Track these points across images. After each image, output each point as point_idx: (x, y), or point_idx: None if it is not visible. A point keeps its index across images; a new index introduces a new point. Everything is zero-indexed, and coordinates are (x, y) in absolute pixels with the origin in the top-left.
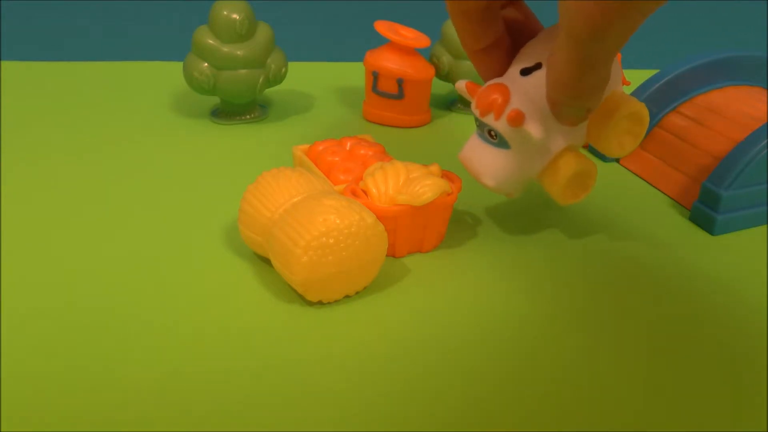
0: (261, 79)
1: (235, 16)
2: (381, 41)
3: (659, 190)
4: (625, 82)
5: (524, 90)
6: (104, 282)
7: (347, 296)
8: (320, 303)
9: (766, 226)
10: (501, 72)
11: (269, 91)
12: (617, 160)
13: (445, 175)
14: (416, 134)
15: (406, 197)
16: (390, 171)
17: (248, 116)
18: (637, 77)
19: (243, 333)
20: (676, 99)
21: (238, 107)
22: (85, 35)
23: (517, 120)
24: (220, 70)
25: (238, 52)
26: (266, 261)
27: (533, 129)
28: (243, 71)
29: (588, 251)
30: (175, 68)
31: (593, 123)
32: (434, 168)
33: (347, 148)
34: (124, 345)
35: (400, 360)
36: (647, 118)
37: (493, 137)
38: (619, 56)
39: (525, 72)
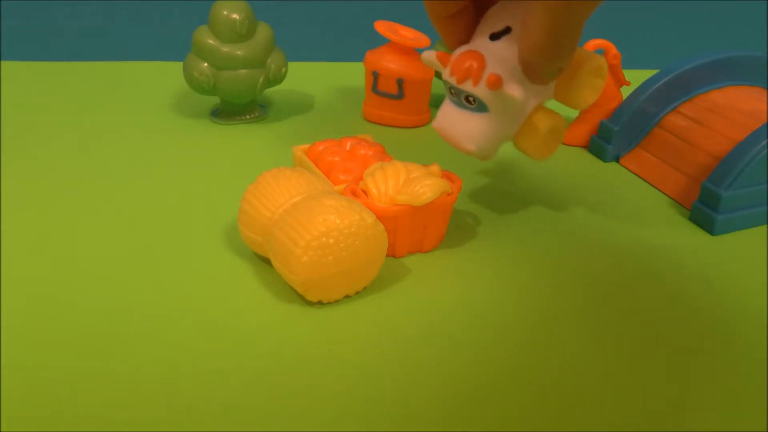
0: (261, 79)
1: (235, 16)
2: (381, 41)
3: (659, 190)
4: (625, 82)
5: (496, 54)
6: (104, 282)
7: (347, 296)
8: (320, 303)
9: (766, 226)
10: (467, 39)
11: (269, 91)
12: (617, 160)
13: (445, 175)
14: (416, 134)
15: (406, 197)
16: (390, 171)
17: (248, 116)
18: (637, 77)
19: (243, 333)
20: (676, 99)
21: (238, 107)
22: (85, 35)
23: (497, 83)
24: (220, 70)
25: (238, 52)
26: (266, 261)
27: (514, 90)
28: (243, 71)
29: (588, 251)
30: (175, 68)
31: (561, 80)
32: (434, 168)
33: (347, 148)
34: (123, 345)
35: (400, 360)
36: (606, 71)
37: (471, 103)
38: (618, 56)
39: (494, 37)
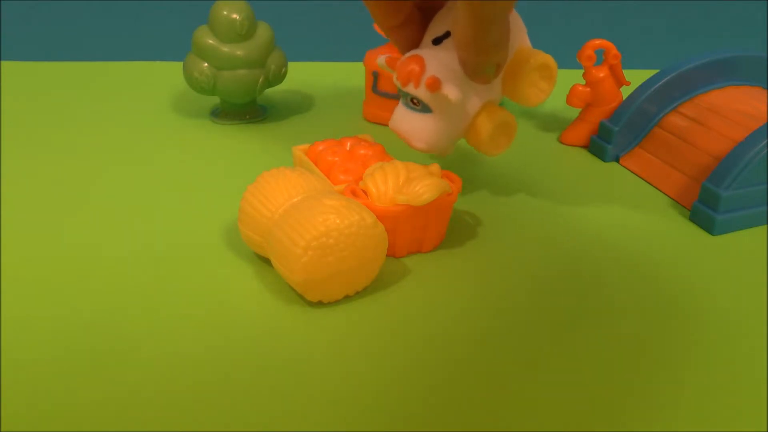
0: (261, 79)
1: (235, 16)
2: (381, 41)
3: (659, 190)
4: (625, 83)
5: (437, 57)
6: (104, 282)
7: (347, 296)
8: (320, 303)
9: (766, 226)
10: (416, 44)
11: (269, 91)
12: (617, 160)
13: (445, 175)
14: None
15: (406, 197)
16: (390, 171)
17: (248, 116)
18: (637, 77)
19: (243, 333)
20: (676, 99)
21: (238, 107)
22: (85, 35)
23: (435, 86)
24: (220, 70)
25: (238, 52)
26: (266, 261)
27: (450, 91)
28: (243, 71)
29: (588, 251)
30: (175, 68)
31: (507, 77)
32: (434, 168)
33: (347, 148)
34: (123, 344)
35: (400, 360)
36: (554, 73)
37: (416, 104)
38: (618, 56)
39: (436, 41)
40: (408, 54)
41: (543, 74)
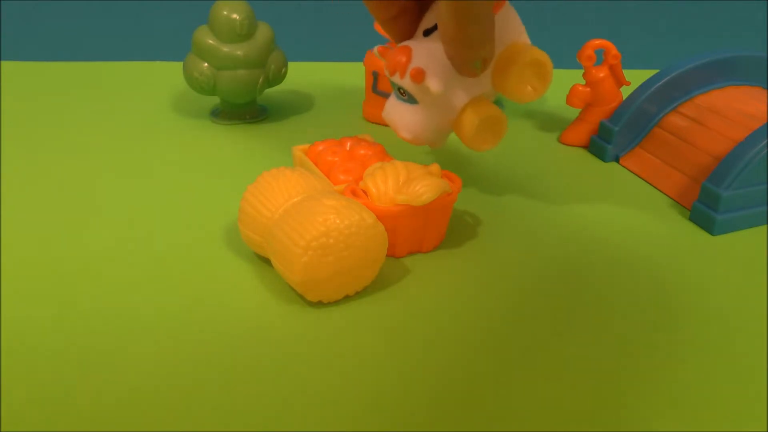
0: (261, 79)
1: (235, 16)
2: (381, 41)
3: (659, 190)
4: (625, 83)
5: (426, 49)
6: (104, 281)
7: (347, 296)
8: (320, 303)
9: (766, 226)
10: (410, 36)
11: (269, 91)
12: (617, 160)
13: (445, 175)
14: None
15: (406, 197)
16: (390, 171)
17: (248, 116)
18: (637, 77)
19: (243, 333)
20: (676, 99)
21: (238, 107)
22: (85, 35)
23: (418, 77)
24: (220, 70)
25: (238, 52)
26: (266, 261)
27: (432, 83)
28: (243, 71)
29: (587, 251)
30: (175, 68)
31: (497, 71)
32: (434, 168)
33: (347, 148)
34: (123, 344)
35: (400, 360)
36: (549, 72)
37: (403, 94)
38: (618, 56)
39: (426, 33)
40: (399, 45)
41: (536, 71)
